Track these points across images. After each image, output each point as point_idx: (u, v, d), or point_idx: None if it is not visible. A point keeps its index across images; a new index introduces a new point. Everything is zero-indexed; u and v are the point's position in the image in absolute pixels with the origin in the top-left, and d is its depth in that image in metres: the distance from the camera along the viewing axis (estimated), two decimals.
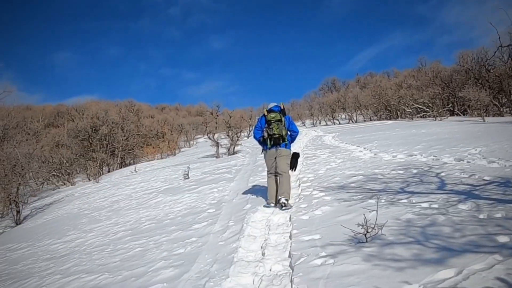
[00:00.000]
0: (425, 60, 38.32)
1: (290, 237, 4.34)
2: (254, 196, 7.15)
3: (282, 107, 6.37)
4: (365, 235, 3.62)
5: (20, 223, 13.89)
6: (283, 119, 6.21)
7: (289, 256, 3.77)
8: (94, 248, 6.32)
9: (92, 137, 29.79)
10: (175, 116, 67.00)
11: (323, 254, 3.54)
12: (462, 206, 4.25)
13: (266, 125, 6.21)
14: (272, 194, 6.14)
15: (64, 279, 4.92)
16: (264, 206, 6.05)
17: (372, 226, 3.62)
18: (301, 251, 3.74)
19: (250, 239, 4.57)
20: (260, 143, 6.42)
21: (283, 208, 5.75)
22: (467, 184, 5.26)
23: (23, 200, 15.83)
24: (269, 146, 6.23)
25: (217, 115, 23.95)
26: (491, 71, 26.71)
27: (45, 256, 6.83)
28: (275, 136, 6.12)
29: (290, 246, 4.02)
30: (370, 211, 4.44)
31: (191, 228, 5.78)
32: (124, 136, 31.20)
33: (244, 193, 7.75)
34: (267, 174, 6.40)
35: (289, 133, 6.33)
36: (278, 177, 6.23)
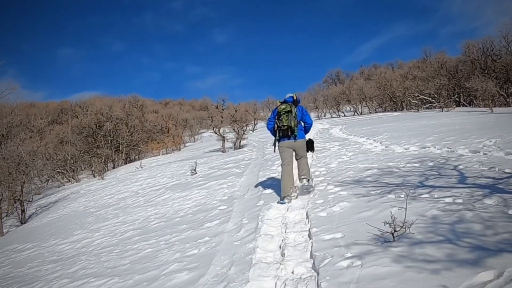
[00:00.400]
0: (430, 50, 38.23)
1: (310, 236, 4.10)
2: (266, 192, 6.93)
3: (294, 98, 6.22)
4: (393, 234, 3.39)
5: (25, 222, 13.79)
6: (294, 110, 6.07)
7: (311, 257, 3.53)
8: (102, 249, 6.13)
9: (96, 133, 29.80)
10: (179, 111, 67.13)
11: (349, 255, 3.29)
12: (488, 201, 4.02)
13: (277, 117, 6.13)
14: (287, 187, 5.89)
15: (72, 283, 4.73)
16: (278, 203, 5.80)
17: (400, 224, 3.39)
18: (324, 251, 3.50)
19: (267, 238, 4.35)
20: (273, 133, 6.38)
21: (305, 190, 6.01)
22: (489, 178, 5.03)
23: (27, 199, 15.76)
24: (277, 137, 6.19)
25: (223, 109, 23.76)
26: (497, 61, 26.42)
27: (51, 257, 6.65)
28: (283, 128, 6.05)
29: (311, 246, 3.77)
30: (391, 207, 4.21)
31: (203, 227, 5.57)
32: (128, 132, 31.20)
33: (255, 188, 7.55)
34: (281, 165, 6.23)
35: (302, 123, 6.25)
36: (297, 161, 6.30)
